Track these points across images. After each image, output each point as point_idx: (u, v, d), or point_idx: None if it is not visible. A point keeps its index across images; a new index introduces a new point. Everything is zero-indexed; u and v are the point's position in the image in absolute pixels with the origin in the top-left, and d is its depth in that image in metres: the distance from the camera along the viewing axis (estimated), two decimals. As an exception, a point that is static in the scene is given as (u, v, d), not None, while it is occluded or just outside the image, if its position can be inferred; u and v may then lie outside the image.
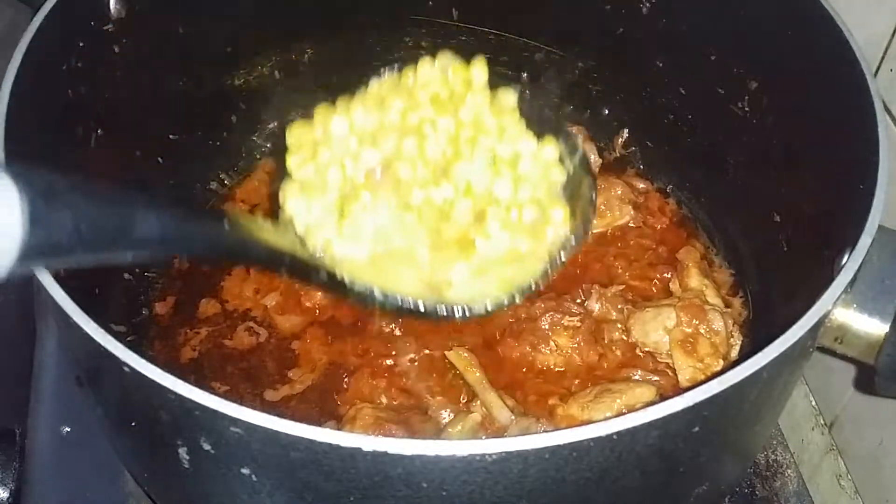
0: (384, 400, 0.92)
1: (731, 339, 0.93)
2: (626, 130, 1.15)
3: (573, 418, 0.87)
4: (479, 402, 0.89)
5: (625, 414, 0.56)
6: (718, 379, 0.58)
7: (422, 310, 0.70)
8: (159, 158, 1.03)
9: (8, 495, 0.91)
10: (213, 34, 1.04)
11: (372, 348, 0.96)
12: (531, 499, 0.59)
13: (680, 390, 0.76)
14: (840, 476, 1.03)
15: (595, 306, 0.98)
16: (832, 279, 0.65)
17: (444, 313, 0.71)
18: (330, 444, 0.54)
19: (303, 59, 1.14)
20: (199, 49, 1.04)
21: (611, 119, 1.16)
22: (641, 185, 1.12)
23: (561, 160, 0.77)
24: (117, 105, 0.92)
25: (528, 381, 0.94)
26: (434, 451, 0.54)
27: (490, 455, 0.55)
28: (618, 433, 0.56)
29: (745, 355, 0.64)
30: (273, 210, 0.73)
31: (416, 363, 0.94)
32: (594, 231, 1.04)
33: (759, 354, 0.60)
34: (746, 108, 0.96)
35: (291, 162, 0.73)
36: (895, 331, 0.70)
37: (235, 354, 0.97)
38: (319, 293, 0.99)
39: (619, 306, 0.98)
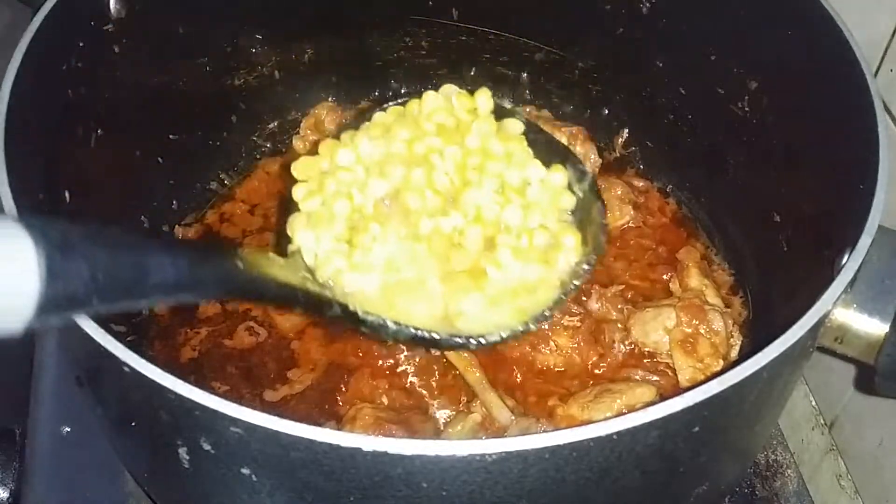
0: (384, 400, 0.92)
1: (731, 339, 0.93)
2: (626, 130, 1.15)
3: (573, 418, 0.87)
4: (479, 402, 0.89)
5: (625, 414, 0.56)
6: (718, 379, 0.58)
7: (437, 340, 0.70)
8: (159, 158, 1.04)
9: (8, 495, 0.91)
10: (213, 34, 1.04)
11: (372, 348, 0.95)
12: (531, 499, 0.59)
13: (680, 390, 0.76)
14: (840, 476, 1.02)
15: (595, 306, 0.98)
16: (832, 279, 0.65)
17: (459, 343, 0.71)
18: (330, 444, 0.54)
19: (303, 59, 1.14)
20: (199, 49, 1.04)
21: (611, 119, 1.16)
22: (641, 185, 1.12)
23: (570, 186, 0.78)
24: (117, 105, 0.92)
25: (528, 381, 0.93)
26: (434, 451, 0.54)
27: (490, 455, 0.55)
28: (618, 433, 0.56)
29: (745, 355, 0.64)
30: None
31: (416, 363, 0.94)
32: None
33: (759, 354, 0.60)
34: (746, 108, 0.96)
35: (297, 193, 0.73)
36: (895, 331, 0.70)
37: (235, 354, 0.97)
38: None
39: (619, 306, 0.98)
